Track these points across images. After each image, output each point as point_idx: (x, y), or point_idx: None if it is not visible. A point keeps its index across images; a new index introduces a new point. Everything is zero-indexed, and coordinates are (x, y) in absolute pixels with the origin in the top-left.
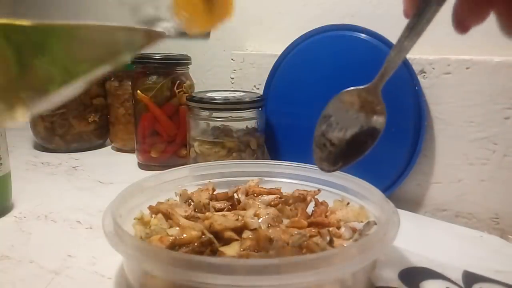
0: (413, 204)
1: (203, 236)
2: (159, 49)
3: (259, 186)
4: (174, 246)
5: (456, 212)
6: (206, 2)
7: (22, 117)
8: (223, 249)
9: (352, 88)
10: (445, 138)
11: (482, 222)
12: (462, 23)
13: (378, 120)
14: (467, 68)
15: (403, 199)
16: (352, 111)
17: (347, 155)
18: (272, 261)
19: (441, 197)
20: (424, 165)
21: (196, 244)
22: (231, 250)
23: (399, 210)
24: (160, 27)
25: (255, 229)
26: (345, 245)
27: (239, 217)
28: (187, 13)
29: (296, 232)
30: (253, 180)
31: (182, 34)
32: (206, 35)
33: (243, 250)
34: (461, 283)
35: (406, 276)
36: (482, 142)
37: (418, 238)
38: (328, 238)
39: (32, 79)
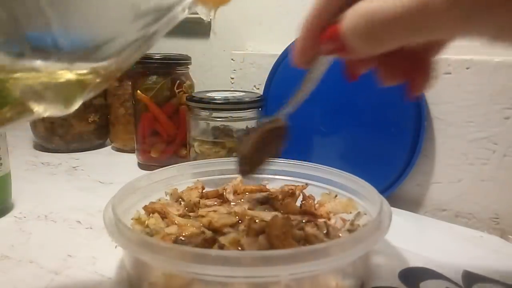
0: (413, 204)
1: (204, 234)
2: (159, 49)
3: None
4: (177, 243)
5: (456, 212)
6: None
7: None
8: (224, 242)
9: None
10: (445, 138)
11: (482, 222)
12: (350, 73)
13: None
14: (467, 68)
15: (403, 199)
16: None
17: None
18: (273, 253)
19: (441, 197)
20: (424, 165)
21: (200, 242)
22: (232, 243)
23: (399, 210)
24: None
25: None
26: (340, 236)
27: (233, 212)
28: None
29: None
30: (236, 178)
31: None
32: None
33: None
34: (461, 283)
35: (406, 276)
36: (482, 142)
37: (418, 238)
38: (325, 230)
39: None
